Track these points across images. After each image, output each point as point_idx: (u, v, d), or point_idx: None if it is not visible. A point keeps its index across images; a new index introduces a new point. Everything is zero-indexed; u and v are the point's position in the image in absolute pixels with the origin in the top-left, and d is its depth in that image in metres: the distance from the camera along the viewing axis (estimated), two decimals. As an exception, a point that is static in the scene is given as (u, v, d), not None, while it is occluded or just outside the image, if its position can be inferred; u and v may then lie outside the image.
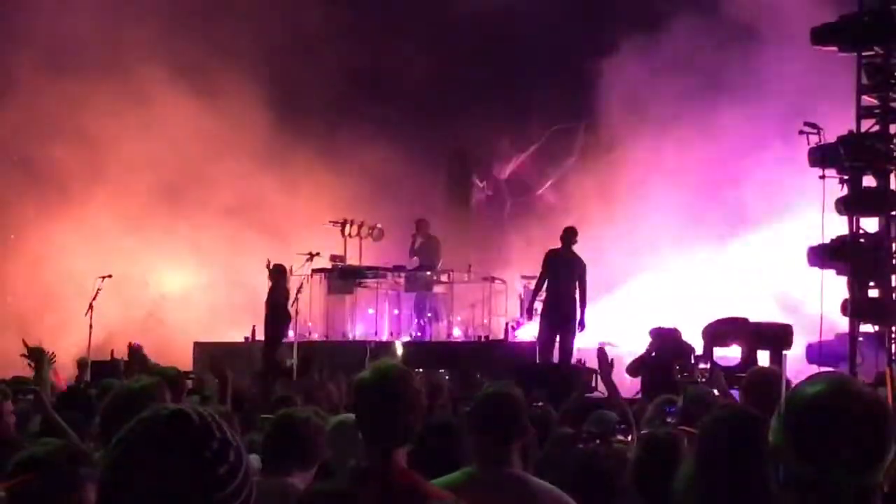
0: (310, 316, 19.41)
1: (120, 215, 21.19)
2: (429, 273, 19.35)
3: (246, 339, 19.08)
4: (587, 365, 15.33)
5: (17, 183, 20.79)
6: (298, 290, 18.00)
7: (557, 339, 15.11)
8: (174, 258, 21.53)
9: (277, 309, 16.95)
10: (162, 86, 20.61)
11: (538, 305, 15.60)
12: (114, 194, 21.11)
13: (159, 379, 4.59)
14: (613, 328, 18.29)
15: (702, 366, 10.76)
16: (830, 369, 11.33)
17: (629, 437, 5.77)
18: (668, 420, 5.49)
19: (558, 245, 15.40)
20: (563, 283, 15.04)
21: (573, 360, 14.82)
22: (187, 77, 20.58)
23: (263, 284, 17.39)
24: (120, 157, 21.15)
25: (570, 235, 15.29)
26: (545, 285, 15.44)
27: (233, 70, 20.53)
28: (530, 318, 16.47)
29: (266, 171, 21.48)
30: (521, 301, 19.16)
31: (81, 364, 15.24)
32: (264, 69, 20.92)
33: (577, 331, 15.07)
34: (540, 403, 8.13)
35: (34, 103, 20.25)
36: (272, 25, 20.90)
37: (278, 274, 17.19)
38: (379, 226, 20.30)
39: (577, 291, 15.04)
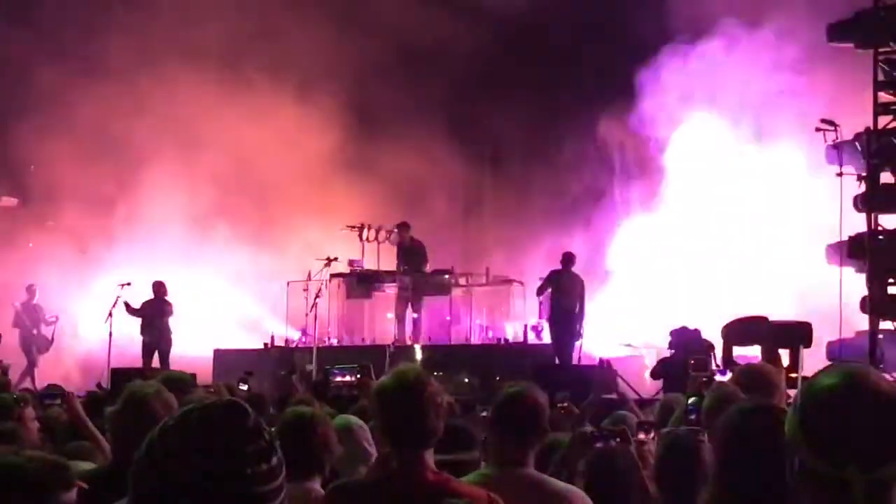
0: (329, 321, 19.43)
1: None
2: (447, 276, 19.31)
3: (265, 345, 19.12)
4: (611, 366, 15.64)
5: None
6: (317, 296, 18.03)
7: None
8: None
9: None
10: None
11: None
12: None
13: (159, 386, 4.61)
14: (634, 327, 18.34)
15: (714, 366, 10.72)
16: (848, 360, 11.28)
17: (651, 436, 5.74)
18: (691, 417, 5.45)
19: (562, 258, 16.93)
20: (564, 299, 16.74)
21: (592, 363, 16.51)
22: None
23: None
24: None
25: (569, 259, 16.89)
26: (549, 299, 17.10)
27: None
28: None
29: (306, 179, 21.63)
30: (540, 304, 19.13)
31: None
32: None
33: (577, 338, 16.84)
34: (565, 404, 8.18)
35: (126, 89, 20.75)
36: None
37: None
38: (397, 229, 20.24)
39: (578, 307, 16.78)
